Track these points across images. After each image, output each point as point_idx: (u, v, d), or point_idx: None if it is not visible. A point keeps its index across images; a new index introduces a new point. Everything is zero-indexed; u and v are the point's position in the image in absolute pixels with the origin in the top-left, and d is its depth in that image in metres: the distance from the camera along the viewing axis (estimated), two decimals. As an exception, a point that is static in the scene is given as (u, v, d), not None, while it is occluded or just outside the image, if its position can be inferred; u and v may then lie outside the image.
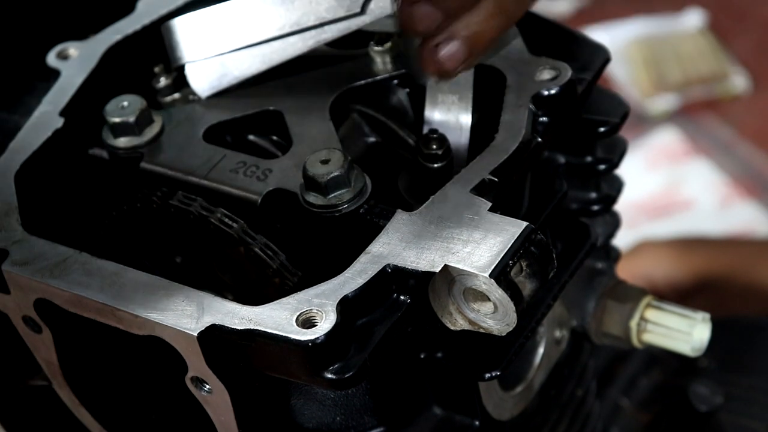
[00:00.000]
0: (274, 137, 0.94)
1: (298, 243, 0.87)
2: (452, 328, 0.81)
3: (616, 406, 1.25)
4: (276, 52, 0.94)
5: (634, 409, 1.26)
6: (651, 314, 1.01)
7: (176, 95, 0.97)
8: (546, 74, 0.90)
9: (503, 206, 0.82)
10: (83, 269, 0.82)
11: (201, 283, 0.87)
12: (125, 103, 0.92)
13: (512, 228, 0.78)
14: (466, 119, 0.90)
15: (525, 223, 0.78)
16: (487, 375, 0.88)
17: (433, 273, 0.77)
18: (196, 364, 0.79)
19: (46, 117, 0.94)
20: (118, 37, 0.99)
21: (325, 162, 0.84)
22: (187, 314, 0.78)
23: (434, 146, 0.87)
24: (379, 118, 0.94)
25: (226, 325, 0.77)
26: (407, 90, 0.94)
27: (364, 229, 0.82)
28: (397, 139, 0.93)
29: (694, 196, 2.25)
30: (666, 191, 2.26)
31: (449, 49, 0.81)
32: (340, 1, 0.90)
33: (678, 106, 2.40)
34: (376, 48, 0.95)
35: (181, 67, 0.97)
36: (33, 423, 1.06)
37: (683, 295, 1.52)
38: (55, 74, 0.98)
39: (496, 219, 0.79)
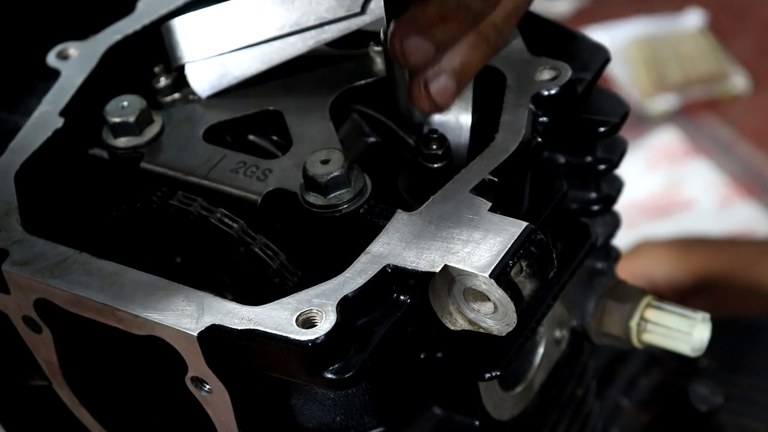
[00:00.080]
0: (274, 137, 0.94)
1: (298, 243, 0.87)
2: (452, 328, 0.81)
3: (616, 406, 1.25)
4: (276, 52, 0.94)
5: (634, 409, 1.26)
6: (651, 314, 1.01)
7: (176, 95, 0.97)
8: (546, 74, 0.90)
9: (503, 206, 0.82)
10: (83, 269, 0.82)
11: (201, 283, 0.87)
12: (125, 103, 0.92)
13: (512, 228, 0.78)
14: (466, 119, 0.90)
15: (525, 223, 0.78)
16: (487, 375, 0.88)
17: (433, 273, 0.77)
18: (196, 364, 0.79)
19: (46, 117, 0.94)
20: (118, 37, 0.99)
21: (325, 162, 0.84)
22: (187, 314, 0.78)
23: (434, 146, 0.87)
24: (379, 118, 0.94)
25: (226, 325, 0.77)
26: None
27: (364, 229, 0.82)
28: (397, 139, 0.93)
29: (694, 196, 2.25)
30: (666, 191, 2.26)
31: (439, 85, 0.83)
32: (340, 1, 0.90)
33: (678, 106, 2.40)
34: (376, 48, 0.95)
35: (181, 67, 0.97)
36: (33, 423, 1.06)
37: (683, 295, 1.52)
38: (55, 74, 0.98)
39: (496, 219, 0.79)
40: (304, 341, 0.75)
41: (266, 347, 0.76)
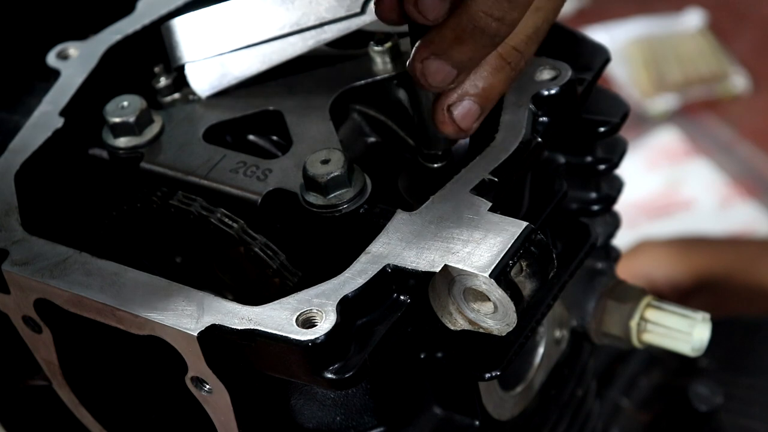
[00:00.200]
0: (274, 137, 0.94)
1: (298, 243, 0.87)
2: (452, 328, 0.81)
3: (616, 406, 1.25)
4: (276, 52, 0.94)
5: (634, 409, 1.26)
6: (651, 314, 1.01)
7: (176, 95, 0.97)
8: (546, 74, 0.90)
9: (503, 206, 0.82)
10: (83, 269, 0.82)
11: (201, 283, 0.87)
12: (125, 103, 0.92)
13: (512, 228, 0.78)
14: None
15: (525, 223, 0.78)
16: (487, 375, 0.88)
17: (433, 273, 0.77)
18: (196, 364, 0.79)
19: (46, 117, 0.94)
20: (118, 37, 0.99)
21: (325, 162, 0.84)
22: (187, 314, 0.78)
23: (434, 146, 0.87)
24: (379, 118, 0.94)
25: (226, 325, 0.77)
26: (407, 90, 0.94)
27: (364, 229, 0.82)
28: (397, 139, 0.93)
29: (694, 196, 2.25)
30: (666, 191, 2.26)
31: (463, 109, 0.83)
32: (340, 1, 0.90)
33: (678, 106, 2.40)
34: (376, 48, 0.95)
35: (181, 67, 0.97)
36: (33, 423, 1.06)
37: (683, 295, 1.52)
38: (55, 74, 0.98)
39: (496, 219, 0.79)
40: (304, 341, 0.75)
41: (266, 347, 0.76)
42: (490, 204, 0.81)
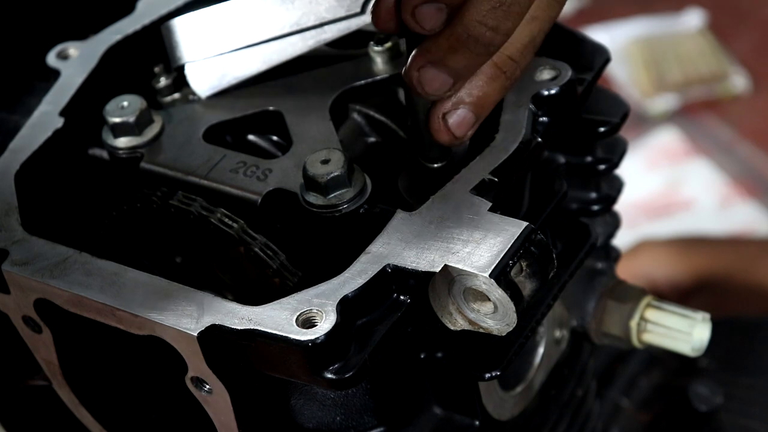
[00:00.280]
0: (274, 137, 0.94)
1: (298, 243, 0.87)
2: (452, 328, 0.81)
3: (616, 406, 1.25)
4: (276, 52, 0.94)
5: (634, 409, 1.26)
6: (651, 314, 1.01)
7: (176, 95, 0.97)
8: (546, 74, 0.90)
9: (503, 206, 0.82)
10: (83, 269, 0.82)
11: (201, 283, 0.87)
12: (125, 103, 0.92)
13: (512, 228, 0.78)
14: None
15: (525, 223, 0.78)
16: (487, 375, 0.88)
17: (433, 273, 0.77)
18: (196, 364, 0.79)
19: (46, 117, 0.94)
20: (118, 37, 0.99)
21: (325, 162, 0.84)
22: (187, 314, 0.78)
23: (434, 146, 0.87)
24: (379, 118, 0.94)
25: (226, 325, 0.77)
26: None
27: (364, 229, 0.82)
28: (397, 139, 0.93)
29: (694, 196, 2.25)
30: (666, 191, 2.26)
31: (458, 117, 0.84)
32: (340, 1, 0.90)
33: (678, 106, 2.40)
34: (376, 48, 0.95)
35: (181, 67, 0.97)
36: (33, 423, 1.06)
37: (683, 295, 1.52)
38: (55, 74, 0.98)
39: (496, 219, 0.79)
40: (304, 341, 0.75)
41: (266, 347, 0.76)
42: (490, 204, 0.81)
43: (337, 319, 0.75)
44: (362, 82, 0.94)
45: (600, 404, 1.13)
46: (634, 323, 1.01)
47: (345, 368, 0.76)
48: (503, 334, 0.79)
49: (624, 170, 1.01)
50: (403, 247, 0.79)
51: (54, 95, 0.96)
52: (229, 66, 0.95)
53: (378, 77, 0.95)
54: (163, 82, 0.96)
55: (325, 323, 0.75)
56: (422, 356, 0.88)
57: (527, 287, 0.78)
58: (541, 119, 0.89)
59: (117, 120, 0.92)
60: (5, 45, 1.09)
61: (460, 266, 0.77)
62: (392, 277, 0.78)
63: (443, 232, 0.79)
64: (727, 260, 1.57)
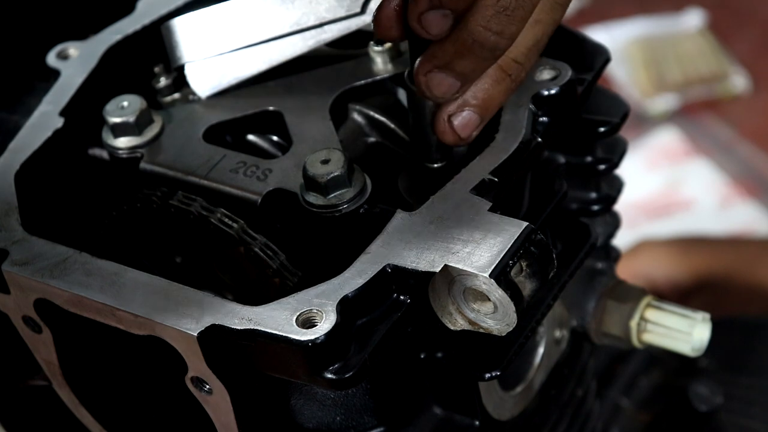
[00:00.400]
0: (274, 137, 0.94)
1: (298, 243, 0.87)
2: (452, 328, 0.81)
3: (616, 406, 1.25)
4: (276, 52, 0.94)
5: (634, 409, 1.26)
6: (651, 314, 1.01)
7: (176, 95, 0.97)
8: (546, 74, 0.90)
9: (503, 206, 0.82)
10: (83, 269, 0.82)
11: (201, 283, 0.87)
12: (125, 103, 0.92)
13: (512, 228, 0.78)
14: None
15: (525, 223, 0.78)
16: (487, 375, 0.87)
17: (433, 273, 0.77)
18: (196, 364, 0.79)
19: (46, 117, 0.94)
20: (118, 37, 0.99)
21: (325, 162, 0.84)
22: (187, 314, 0.78)
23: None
24: (379, 118, 0.94)
25: (226, 325, 0.77)
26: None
27: (364, 229, 0.82)
28: (397, 139, 0.93)
29: (694, 196, 2.25)
30: (666, 191, 2.26)
31: (463, 119, 0.85)
32: (340, 1, 0.90)
33: (678, 106, 2.40)
34: (376, 48, 0.95)
35: (181, 67, 0.97)
36: (33, 423, 1.06)
37: (683, 295, 1.52)
38: (55, 74, 0.98)
39: (496, 219, 0.79)
40: (304, 341, 0.75)
41: (266, 347, 0.76)
42: (490, 204, 0.81)
43: (337, 319, 0.75)
44: (362, 82, 0.94)
45: (600, 404, 1.13)
46: (634, 323, 1.01)
47: (345, 368, 0.76)
48: (503, 334, 0.79)
49: (624, 170, 1.01)
50: (403, 247, 0.79)
51: (54, 95, 0.96)
52: (229, 66, 0.95)
53: (378, 77, 0.95)
54: (163, 82, 0.96)
55: (325, 323, 0.75)
56: (422, 356, 0.88)
57: (527, 287, 0.78)
58: (541, 119, 0.89)
59: (117, 120, 0.92)
60: (5, 45, 1.09)
61: (460, 266, 0.77)
62: (392, 277, 0.78)
63: (443, 232, 0.79)
64: (727, 260, 1.57)
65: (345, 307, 0.76)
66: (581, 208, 0.99)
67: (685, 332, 1.00)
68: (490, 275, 0.76)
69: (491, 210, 0.80)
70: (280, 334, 0.75)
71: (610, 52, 0.95)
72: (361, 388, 0.87)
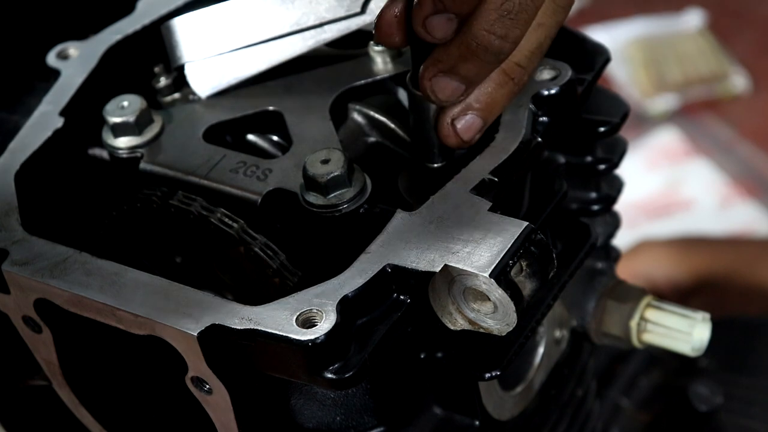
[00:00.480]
0: (274, 137, 0.94)
1: (298, 243, 0.87)
2: (452, 328, 0.81)
3: (616, 406, 1.25)
4: (276, 52, 0.94)
5: (634, 409, 1.26)
6: (651, 314, 1.01)
7: (176, 95, 0.97)
8: (546, 74, 0.90)
9: (503, 206, 0.82)
10: (83, 269, 0.82)
11: (201, 283, 0.87)
12: (125, 103, 0.92)
13: (512, 228, 0.78)
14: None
15: (525, 223, 0.78)
16: (487, 375, 0.87)
17: (433, 273, 0.77)
18: (196, 364, 0.79)
19: (46, 117, 0.94)
20: (118, 37, 0.99)
21: (325, 162, 0.84)
22: (187, 314, 0.78)
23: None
24: (379, 118, 0.94)
25: (226, 324, 0.77)
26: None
27: (364, 229, 0.82)
28: (397, 139, 0.93)
29: (694, 196, 2.25)
30: (666, 191, 2.26)
31: (466, 122, 0.86)
32: (340, 1, 0.90)
33: (678, 106, 2.40)
34: (376, 48, 0.95)
35: (181, 67, 0.97)
36: (33, 423, 1.06)
37: (683, 295, 1.52)
38: (55, 74, 0.98)
39: (496, 219, 0.79)
40: (304, 341, 0.75)
41: (266, 347, 0.76)
42: (490, 204, 0.81)
43: (337, 319, 0.75)
44: (362, 82, 0.94)
45: (600, 404, 1.13)
46: (634, 323, 1.01)
47: (345, 368, 0.76)
48: (503, 334, 0.79)
49: (624, 170, 1.01)
50: (403, 247, 0.79)
51: (54, 95, 0.96)
52: (229, 66, 0.95)
53: (378, 77, 0.95)
54: (163, 82, 0.96)
55: (325, 323, 0.75)
56: (422, 356, 0.88)
57: (527, 287, 0.78)
58: (541, 119, 0.89)
59: (117, 120, 0.92)
60: (5, 45, 1.09)
61: (460, 266, 0.77)
62: (392, 276, 0.78)
63: (443, 231, 0.79)
64: (727, 260, 1.57)
65: (345, 307, 0.76)
66: (581, 208, 0.99)
67: (685, 332, 1.00)
68: (490, 275, 0.76)
69: (491, 210, 0.80)
70: (280, 333, 0.75)
71: (610, 52, 0.95)
72: (361, 388, 0.87)
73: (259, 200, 0.87)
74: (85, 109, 0.95)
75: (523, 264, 0.78)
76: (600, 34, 2.33)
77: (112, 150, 0.93)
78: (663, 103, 2.40)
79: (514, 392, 0.96)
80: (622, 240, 1.09)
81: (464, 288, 0.78)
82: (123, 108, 0.92)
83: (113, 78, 0.97)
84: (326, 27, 0.91)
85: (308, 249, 0.87)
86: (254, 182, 0.88)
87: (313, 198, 0.84)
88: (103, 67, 0.98)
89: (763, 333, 1.40)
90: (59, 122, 0.94)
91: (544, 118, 0.89)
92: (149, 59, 0.98)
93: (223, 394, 0.80)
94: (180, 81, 0.97)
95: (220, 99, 0.96)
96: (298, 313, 0.76)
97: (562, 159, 0.97)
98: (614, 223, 1.04)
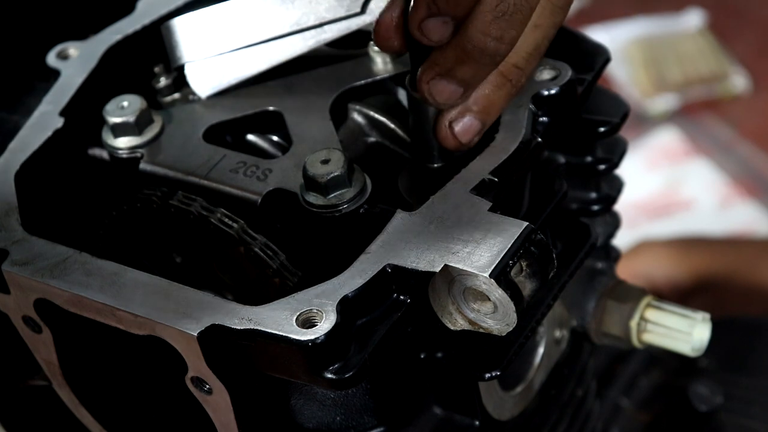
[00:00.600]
0: (274, 137, 0.94)
1: (298, 243, 0.87)
2: (452, 328, 0.81)
3: (616, 406, 1.25)
4: (276, 52, 0.94)
5: (634, 409, 1.26)
6: (651, 314, 1.01)
7: (176, 95, 0.97)
8: (546, 74, 0.90)
9: (503, 206, 0.82)
10: (83, 269, 0.82)
11: (201, 283, 0.87)
12: (125, 103, 0.92)
13: (512, 228, 0.78)
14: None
15: (525, 223, 0.78)
16: (487, 375, 0.87)
17: (433, 273, 0.77)
18: (196, 364, 0.79)
19: (46, 117, 0.94)
20: (118, 37, 0.99)
21: (325, 162, 0.84)
22: (187, 314, 0.78)
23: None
24: (379, 118, 0.94)
25: (226, 325, 0.77)
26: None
27: (364, 229, 0.82)
28: (397, 139, 0.93)
29: (694, 196, 2.25)
30: (666, 191, 2.26)
31: (464, 125, 0.86)
32: (340, 1, 0.90)
33: (678, 106, 2.40)
34: (376, 48, 0.95)
35: (181, 67, 0.97)
36: (33, 423, 1.06)
37: (683, 295, 1.52)
38: (55, 74, 0.98)
39: (496, 219, 0.79)
40: (304, 341, 0.75)
41: (266, 347, 0.76)
42: (490, 204, 0.81)
43: (337, 319, 0.75)
44: (362, 82, 0.94)
45: (600, 404, 1.13)
46: (634, 323, 1.01)
47: (345, 368, 0.76)
48: (503, 334, 0.79)
49: (624, 170, 1.01)
50: (403, 247, 0.79)
51: (54, 95, 0.96)
52: (229, 66, 0.95)
53: (378, 77, 0.95)
54: (163, 82, 0.96)
55: (325, 323, 0.75)
56: (422, 356, 0.88)
57: (527, 287, 0.78)
58: (541, 119, 0.89)
59: (117, 120, 0.92)
60: (5, 45, 1.09)
61: (460, 266, 0.77)
62: (392, 277, 0.78)
63: (443, 232, 0.79)
64: (727, 260, 1.57)
65: (345, 307, 0.76)
66: (581, 208, 0.99)
67: (685, 332, 1.00)
68: (490, 275, 0.76)
69: (491, 210, 0.80)
70: (280, 334, 0.75)
71: (610, 52, 0.95)
72: (361, 388, 0.87)
73: (259, 200, 0.87)
74: (85, 109, 0.95)
75: (523, 264, 0.78)
76: (600, 34, 2.34)
77: (112, 150, 0.93)
78: (663, 103, 2.40)
79: (514, 392, 0.96)
80: (622, 240, 1.09)
81: (464, 288, 0.78)
82: (123, 108, 0.92)
83: (113, 78, 0.97)
84: (326, 27, 0.91)
85: (308, 249, 0.87)
86: (254, 182, 0.88)
87: (313, 198, 0.84)
88: (103, 67, 0.98)
89: (763, 333, 1.40)
90: (59, 122, 0.94)
91: (544, 118, 0.89)
92: (149, 59, 0.98)
93: (223, 394, 0.80)
94: (180, 81, 0.97)
95: (220, 99, 0.96)
96: (298, 313, 0.76)
97: (562, 159, 0.97)
98: (614, 223, 1.04)
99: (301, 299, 0.77)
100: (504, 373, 0.88)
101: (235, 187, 0.88)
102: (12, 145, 0.93)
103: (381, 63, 0.95)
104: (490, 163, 0.84)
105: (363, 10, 0.90)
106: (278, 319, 0.76)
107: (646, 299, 1.02)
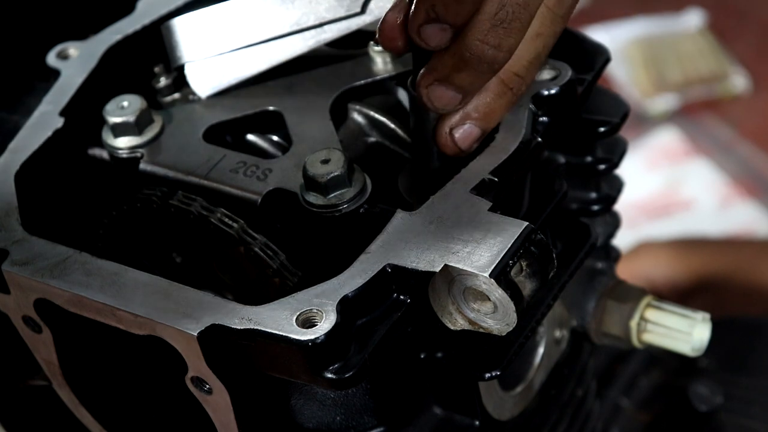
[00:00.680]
0: (274, 137, 0.94)
1: (298, 243, 0.87)
2: (452, 328, 0.81)
3: (616, 406, 1.25)
4: (276, 52, 0.94)
5: (634, 409, 1.26)
6: (651, 314, 1.01)
7: (176, 95, 0.97)
8: (546, 74, 0.90)
9: (503, 206, 0.82)
10: (83, 269, 0.82)
11: (201, 283, 0.87)
12: (125, 103, 0.92)
13: (512, 228, 0.78)
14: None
15: (525, 223, 0.78)
16: (487, 375, 0.87)
17: (433, 273, 0.77)
18: (196, 364, 0.79)
19: (46, 117, 0.94)
20: (118, 37, 0.99)
21: (325, 162, 0.84)
22: (187, 314, 0.78)
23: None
24: (379, 118, 0.94)
25: (226, 324, 0.77)
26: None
27: (364, 229, 0.82)
28: (397, 139, 0.93)
29: (694, 196, 2.25)
30: (666, 191, 2.26)
31: (464, 132, 0.86)
32: (340, 1, 0.90)
33: (678, 106, 2.40)
34: (376, 48, 0.95)
35: (181, 67, 0.97)
36: (33, 423, 1.06)
37: (683, 295, 1.52)
38: (55, 74, 0.98)
39: (496, 219, 0.79)
40: (304, 341, 0.75)
41: (266, 347, 0.76)
42: (490, 204, 0.81)
43: (337, 319, 0.75)
44: (362, 82, 0.94)
45: (600, 404, 1.13)
46: (634, 323, 1.01)
47: (345, 368, 0.76)
48: (503, 334, 0.79)
49: (624, 170, 1.01)
50: (403, 247, 0.79)
51: (54, 95, 0.96)
52: (229, 66, 0.95)
53: (378, 77, 0.95)
54: (163, 82, 0.96)
55: (325, 323, 0.75)
56: (422, 356, 0.88)
57: (527, 287, 0.78)
58: (541, 119, 0.89)
59: (117, 120, 0.92)
60: (5, 45, 1.09)
61: (460, 266, 0.77)
62: (392, 276, 0.78)
63: (443, 231, 0.79)
64: (727, 260, 1.57)
65: (345, 307, 0.76)
66: (581, 208, 0.99)
67: (685, 332, 1.00)
68: (490, 275, 0.76)
69: (491, 210, 0.80)
70: (280, 333, 0.75)
71: (610, 52, 0.95)
72: (361, 388, 0.87)
73: (259, 200, 0.87)
74: (85, 109, 0.95)
75: (523, 264, 0.78)
76: (600, 34, 2.34)
77: (112, 150, 0.93)
78: (663, 103, 2.40)
79: (514, 392, 0.96)
80: (622, 240, 1.09)
81: (464, 288, 0.78)
82: (123, 108, 0.92)
83: (113, 78, 0.97)
84: (326, 27, 0.92)
85: (308, 249, 0.87)
86: (254, 182, 0.88)
87: (313, 198, 0.84)
88: (103, 67, 0.98)
89: (764, 333, 1.40)
90: (59, 122, 0.94)
91: (544, 118, 0.89)
92: (149, 59, 0.98)
93: (223, 394, 0.80)
94: (180, 81, 0.97)
95: (220, 99, 0.96)
96: (298, 313, 0.76)
97: (562, 159, 0.97)
98: (614, 223, 1.04)
99: (301, 299, 0.77)
100: (504, 373, 0.88)
101: (235, 187, 0.88)
102: (12, 145, 0.93)
103: (381, 63, 0.95)
104: (490, 162, 0.84)
105: (363, 10, 0.90)
106: (278, 319, 0.76)
107: (646, 299, 1.02)
